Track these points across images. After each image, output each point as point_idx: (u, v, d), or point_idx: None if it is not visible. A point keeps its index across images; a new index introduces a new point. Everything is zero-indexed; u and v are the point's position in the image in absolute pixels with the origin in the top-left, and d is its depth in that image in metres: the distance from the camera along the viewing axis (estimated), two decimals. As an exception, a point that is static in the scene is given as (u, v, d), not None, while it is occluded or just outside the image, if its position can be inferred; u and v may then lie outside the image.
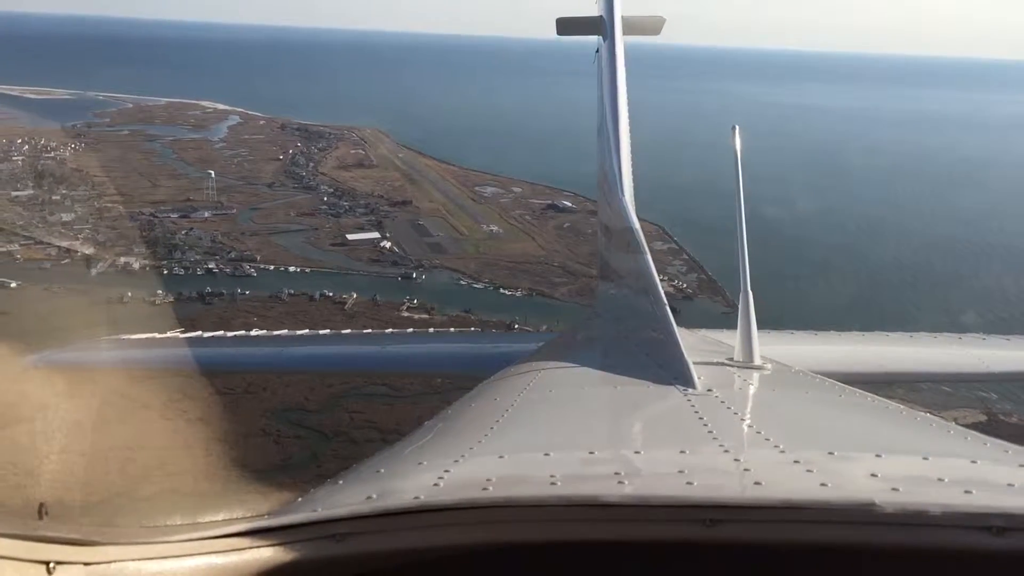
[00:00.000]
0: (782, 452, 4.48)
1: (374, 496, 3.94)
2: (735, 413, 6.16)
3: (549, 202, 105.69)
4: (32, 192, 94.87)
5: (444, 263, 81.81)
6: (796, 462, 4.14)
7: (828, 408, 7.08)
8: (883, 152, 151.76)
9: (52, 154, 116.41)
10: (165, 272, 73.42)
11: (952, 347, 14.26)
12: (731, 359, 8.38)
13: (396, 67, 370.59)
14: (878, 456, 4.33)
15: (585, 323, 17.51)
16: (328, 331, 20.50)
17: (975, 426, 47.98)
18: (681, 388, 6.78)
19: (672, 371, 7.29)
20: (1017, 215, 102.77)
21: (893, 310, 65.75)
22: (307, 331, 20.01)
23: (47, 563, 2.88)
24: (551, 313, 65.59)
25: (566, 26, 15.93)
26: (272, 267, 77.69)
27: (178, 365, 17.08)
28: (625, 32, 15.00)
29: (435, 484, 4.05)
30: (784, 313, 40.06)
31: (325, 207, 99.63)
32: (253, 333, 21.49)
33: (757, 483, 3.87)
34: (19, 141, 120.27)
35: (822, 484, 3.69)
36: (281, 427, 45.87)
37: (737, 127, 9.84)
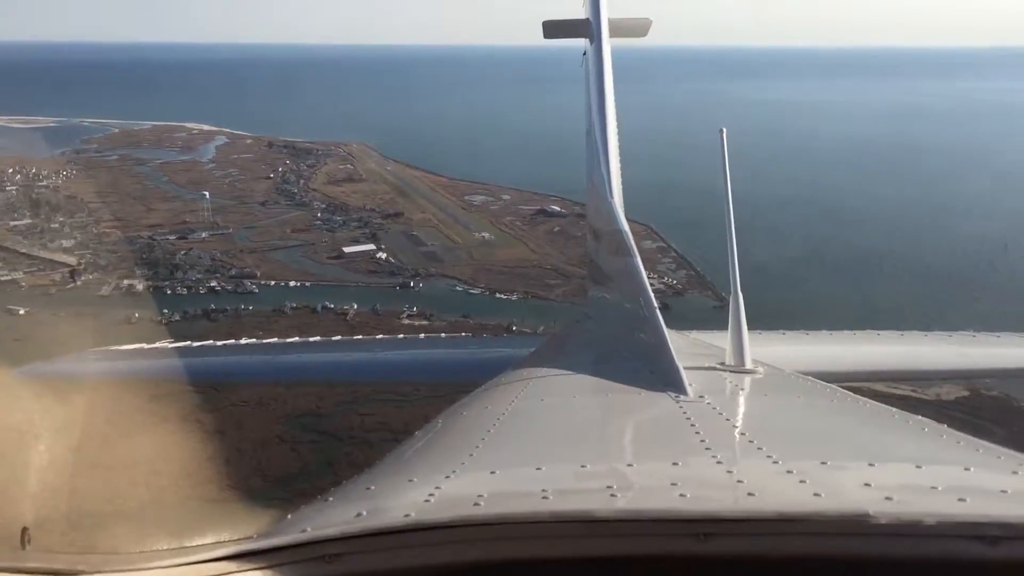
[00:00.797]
0: (775, 462, 4.49)
1: (364, 514, 3.90)
2: (727, 420, 6.15)
3: (538, 208, 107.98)
4: (30, 220, 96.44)
5: (440, 271, 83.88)
6: (789, 472, 4.17)
7: (821, 414, 7.09)
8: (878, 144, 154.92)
9: (45, 182, 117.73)
10: (168, 292, 75.35)
11: (942, 344, 14.08)
12: (722, 363, 8.38)
13: (378, 80, 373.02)
14: (871, 465, 4.36)
15: (575, 326, 17.06)
16: (319, 338, 19.82)
17: (959, 401, 50.15)
18: (673, 395, 6.78)
19: (663, 377, 7.31)
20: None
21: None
22: (297, 338, 19.75)
23: None
24: (547, 314, 67.60)
25: (552, 29, 15.58)
26: (273, 283, 79.52)
27: (172, 375, 16.43)
28: (612, 35, 14.82)
29: (426, 500, 4.03)
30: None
31: (319, 222, 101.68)
32: (243, 341, 21.03)
33: (750, 494, 3.90)
34: (10, 171, 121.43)
35: (816, 494, 3.71)
36: (296, 432, 47.59)
37: (724, 130, 9.90)
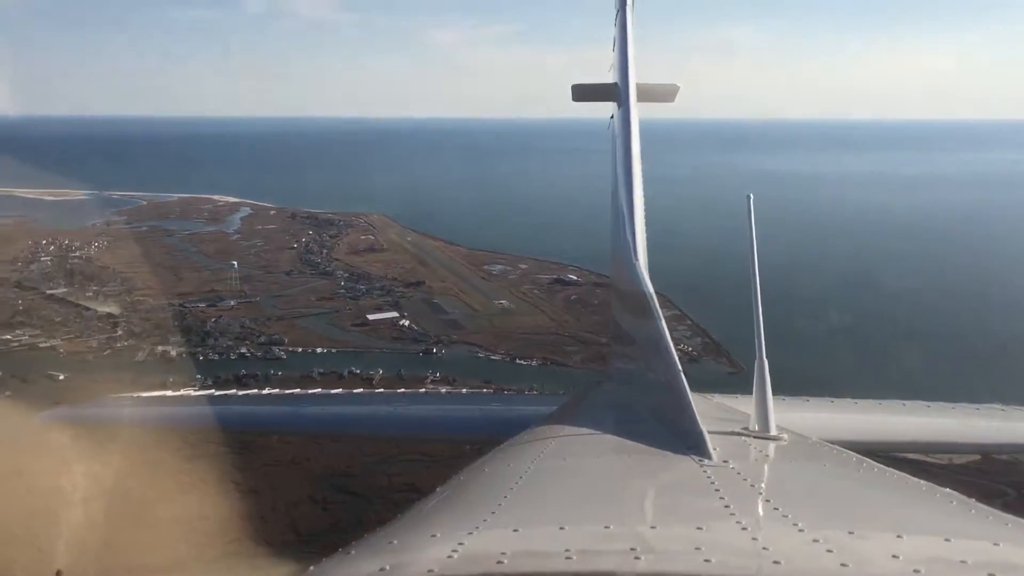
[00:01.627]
0: (801, 530, 4.37)
1: (388, 568, 3.86)
2: (752, 486, 6.02)
3: (556, 276, 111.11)
4: (65, 289, 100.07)
5: (461, 338, 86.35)
6: (816, 541, 4.07)
7: (847, 483, 6.95)
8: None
9: (78, 253, 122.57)
10: (201, 358, 78.08)
11: (969, 418, 13.66)
12: (747, 428, 8.33)
13: (397, 152, 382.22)
14: (899, 536, 4.24)
15: (598, 387, 16.96)
16: (340, 390, 20.00)
17: (968, 464, 51.24)
18: (696, 458, 6.70)
19: (687, 440, 7.24)
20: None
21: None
22: (319, 390, 20.01)
23: None
24: (567, 380, 69.46)
25: (581, 92, 15.84)
26: (300, 349, 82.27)
27: (193, 422, 16.73)
28: (639, 99, 14.86)
29: (449, 556, 3.98)
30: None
31: (343, 291, 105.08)
32: (266, 392, 21.19)
33: (776, 562, 3.78)
34: (44, 242, 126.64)
35: (843, 564, 3.60)
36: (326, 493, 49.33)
37: (751, 195, 9.96)
